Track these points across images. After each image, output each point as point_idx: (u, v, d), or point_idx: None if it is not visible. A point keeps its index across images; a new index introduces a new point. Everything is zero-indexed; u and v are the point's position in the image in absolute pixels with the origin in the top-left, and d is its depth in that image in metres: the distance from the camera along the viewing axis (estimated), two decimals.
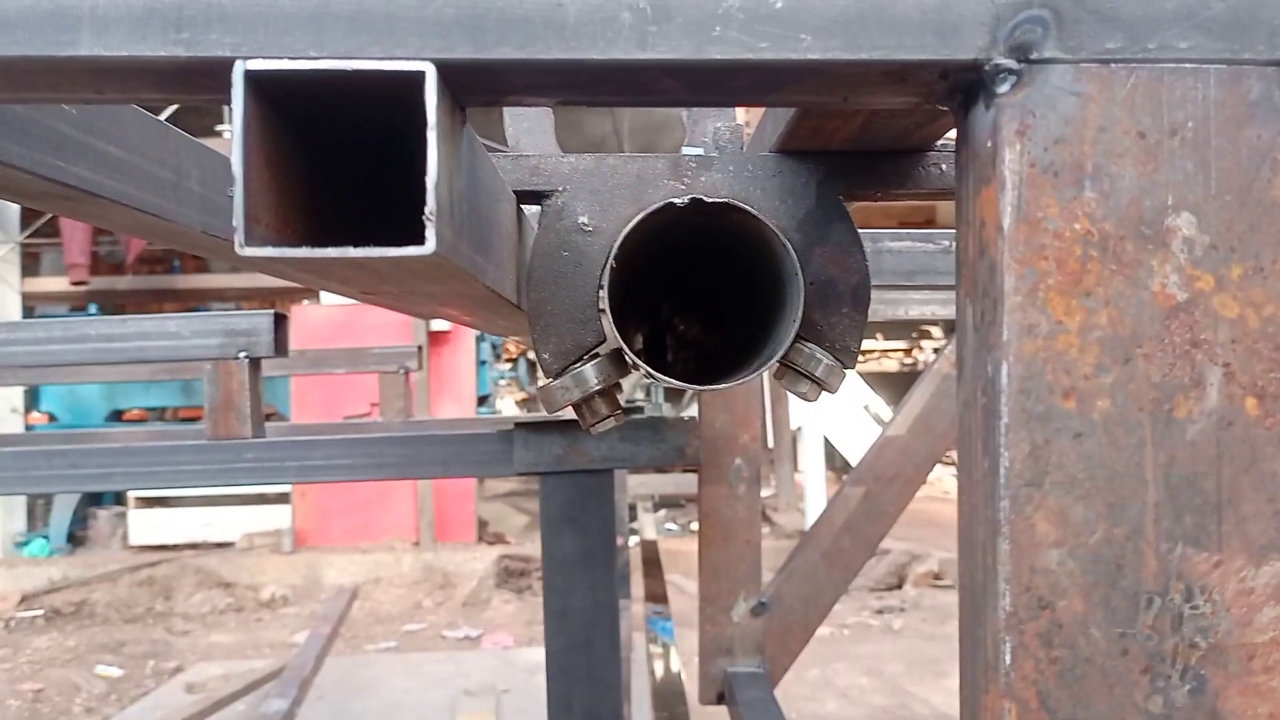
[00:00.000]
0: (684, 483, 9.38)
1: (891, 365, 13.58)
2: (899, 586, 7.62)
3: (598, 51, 0.52)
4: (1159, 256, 0.52)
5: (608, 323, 0.85)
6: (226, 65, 0.52)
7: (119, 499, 8.72)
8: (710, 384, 0.89)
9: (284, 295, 9.87)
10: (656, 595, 4.50)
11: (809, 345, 0.89)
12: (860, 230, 1.39)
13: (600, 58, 0.53)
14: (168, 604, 7.42)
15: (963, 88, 0.56)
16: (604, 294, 0.85)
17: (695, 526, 9.15)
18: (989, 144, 0.54)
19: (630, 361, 0.86)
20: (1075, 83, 0.53)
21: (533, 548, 7.99)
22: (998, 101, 0.53)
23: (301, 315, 8.32)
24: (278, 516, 8.07)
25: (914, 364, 13.40)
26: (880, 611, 7.03)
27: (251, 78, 0.52)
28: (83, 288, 9.03)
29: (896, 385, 12.27)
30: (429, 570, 7.64)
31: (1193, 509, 0.52)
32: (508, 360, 11.95)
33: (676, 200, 0.85)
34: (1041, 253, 0.52)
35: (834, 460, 10.42)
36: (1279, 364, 0.52)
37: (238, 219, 0.51)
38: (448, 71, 0.53)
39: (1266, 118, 0.52)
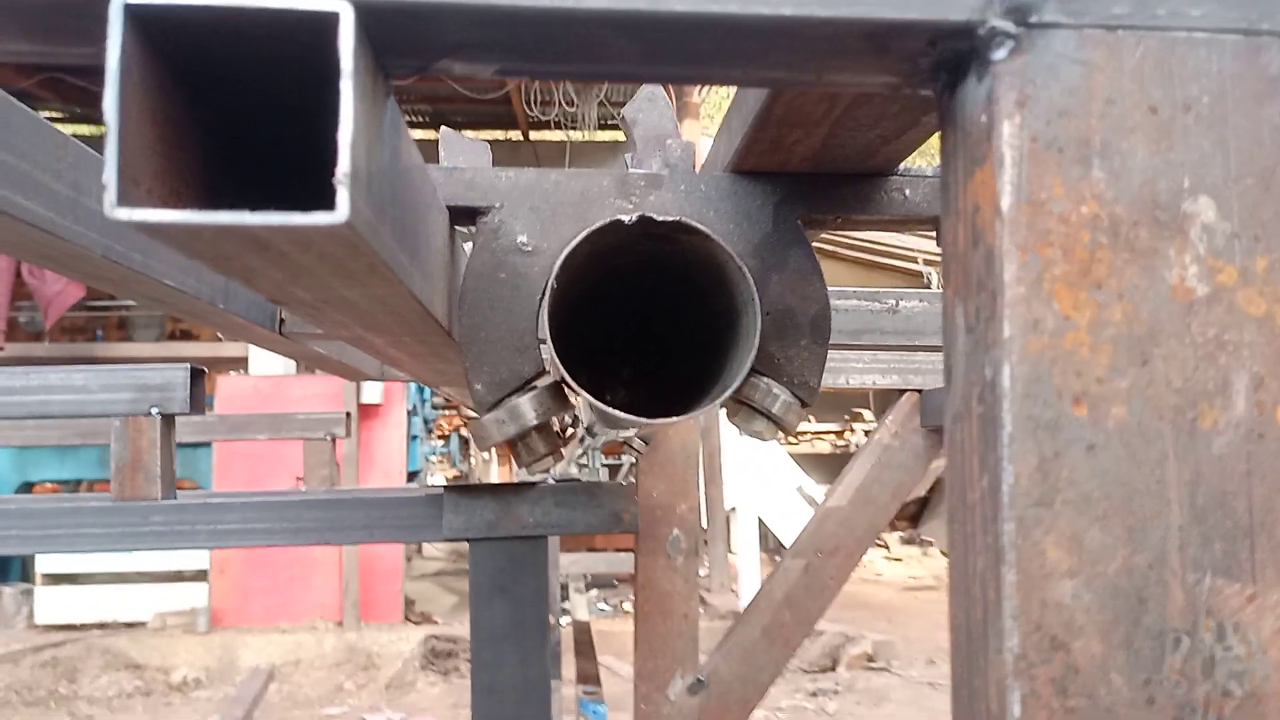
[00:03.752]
0: (617, 561, 9.21)
1: (824, 447, 13.56)
2: (833, 669, 7.49)
3: None
4: (1176, 245, 0.46)
5: (549, 350, 0.77)
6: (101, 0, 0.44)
7: (25, 575, 8.29)
8: (658, 418, 0.81)
9: (211, 366, 9.62)
10: (588, 676, 4.34)
11: (765, 380, 0.82)
12: None
13: (539, 5, 0.46)
14: (72, 687, 7.03)
15: (950, 62, 0.50)
16: (544, 319, 0.77)
17: (629, 607, 8.97)
18: (983, 118, 0.48)
19: (574, 392, 0.78)
20: (1079, 50, 0.47)
21: (461, 628, 7.74)
22: (994, 69, 0.47)
23: (228, 385, 8.09)
24: (193, 595, 7.72)
25: (846, 446, 13.40)
26: (814, 694, 6.89)
27: (133, 14, 0.44)
28: None
29: (829, 467, 12.27)
30: (352, 651, 7.34)
31: (1222, 534, 0.45)
32: (440, 436, 11.72)
33: (624, 218, 0.78)
34: (1046, 238, 0.46)
35: (767, 542, 10.33)
36: None
37: (109, 173, 0.42)
38: (369, 19, 0.46)
39: None
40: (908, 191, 0.84)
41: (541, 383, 0.83)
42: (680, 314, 0.98)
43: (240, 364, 8.74)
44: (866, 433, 12.85)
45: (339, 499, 2.01)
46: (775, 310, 0.82)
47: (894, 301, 1.69)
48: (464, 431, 11.72)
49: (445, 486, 1.99)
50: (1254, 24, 0.47)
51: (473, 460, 11.87)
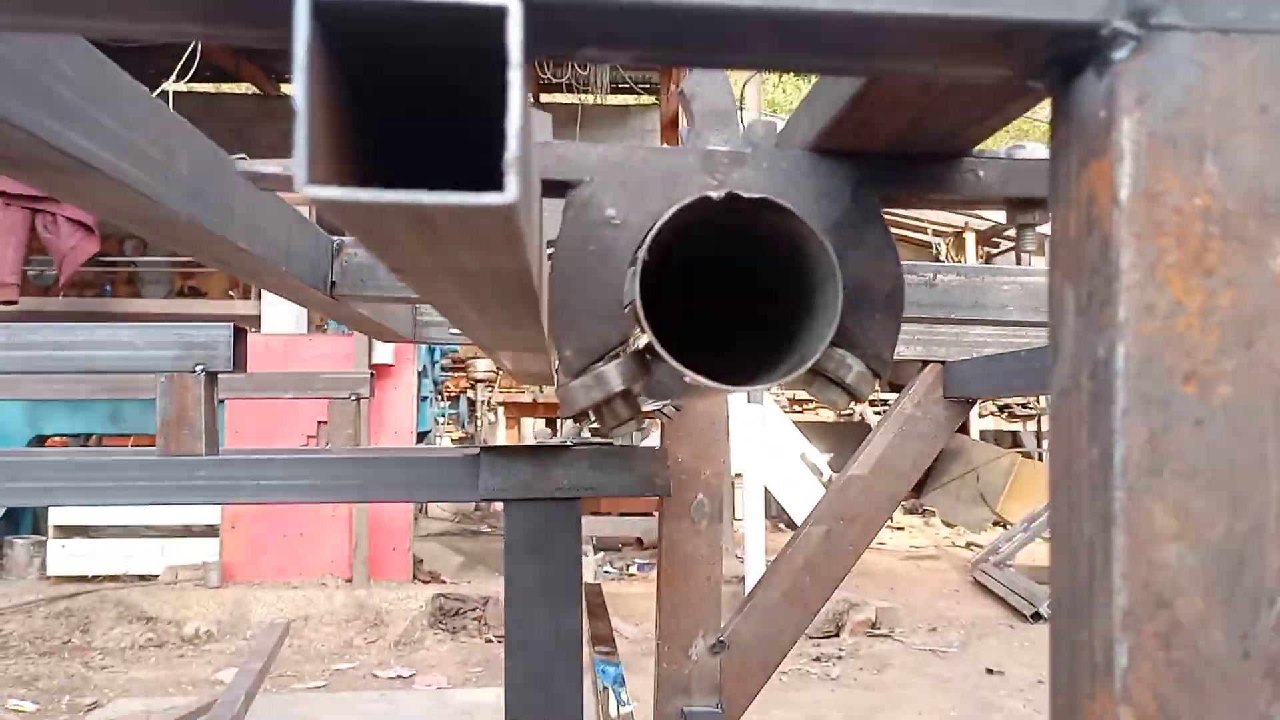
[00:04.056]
0: (623, 525, 9.30)
1: (829, 415, 13.63)
2: (836, 634, 7.59)
3: None
4: None
5: (636, 318, 0.80)
6: None
7: (37, 528, 8.38)
8: (737, 386, 0.84)
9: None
10: (602, 637, 4.41)
11: (840, 351, 0.86)
12: None
13: (695, 1, 0.49)
14: (85, 637, 7.13)
15: (1067, 57, 0.53)
16: (636, 289, 0.81)
17: (634, 570, 9.04)
18: (1101, 114, 0.51)
19: (661, 356, 0.81)
20: (1196, 51, 0.50)
21: (469, 587, 7.83)
22: (1115, 68, 0.50)
23: None
24: (205, 549, 7.80)
25: (850, 414, 13.46)
26: (818, 659, 6.99)
27: (317, 7, 0.47)
28: (12, 308, 8.75)
29: (833, 436, 12.35)
30: (362, 608, 7.43)
31: None
32: (449, 398, 11.78)
33: (712, 194, 0.81)
34: (1161, 228, 0.49)
35: (770, 509, 10.41)
36: None
37: (300, 155, 0.46)
38: (528, 11, 0.49)
39: None
40: (981, 173, 0.87)
41: (625, 350, 0.87)
42: (740, 285, 1.01)
43: (251, 322, 8.78)
44: (871, 402, 12.91)
45: (380, 458, 2.06)
46: (852, 286, 0.86)
47: (931, 275, 1.73)
48: (471, 394, 11.77)
49: (482, 447, 2.03)
50: None
51: (479, 422, 11.93)
